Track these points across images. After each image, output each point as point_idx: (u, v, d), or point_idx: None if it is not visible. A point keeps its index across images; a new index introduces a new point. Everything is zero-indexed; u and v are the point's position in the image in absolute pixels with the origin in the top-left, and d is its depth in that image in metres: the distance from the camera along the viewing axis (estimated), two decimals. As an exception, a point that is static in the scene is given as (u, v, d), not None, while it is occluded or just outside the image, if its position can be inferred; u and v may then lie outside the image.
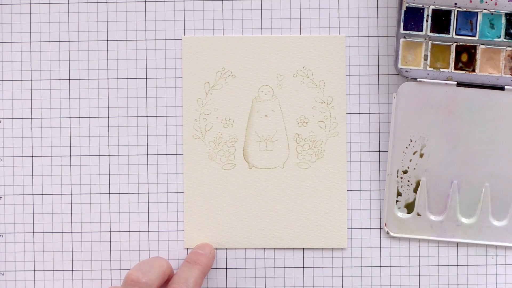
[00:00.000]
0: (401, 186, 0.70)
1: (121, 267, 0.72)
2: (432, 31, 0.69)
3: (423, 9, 0.69)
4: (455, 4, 0.69)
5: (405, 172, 0.70)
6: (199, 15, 0.72)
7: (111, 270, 0.72)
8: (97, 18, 0.72)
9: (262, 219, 0.72)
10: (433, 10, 0.69)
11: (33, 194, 0.72)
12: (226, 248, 0.72)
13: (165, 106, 0.72)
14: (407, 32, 0.69)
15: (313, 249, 0.72)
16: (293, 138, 0.71)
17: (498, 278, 0.71)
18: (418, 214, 0.70)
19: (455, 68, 0.69)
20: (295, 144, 0.71)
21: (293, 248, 0.72)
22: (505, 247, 0.71)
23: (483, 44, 0.69)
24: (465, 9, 0.69)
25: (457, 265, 0.71)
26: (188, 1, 0.72)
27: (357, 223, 0.72)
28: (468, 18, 0.69)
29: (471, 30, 0.69)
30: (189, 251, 0.72)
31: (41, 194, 0.72)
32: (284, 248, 0.72)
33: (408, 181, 0.70)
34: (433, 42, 0.69)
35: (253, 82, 0.71)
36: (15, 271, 0.72)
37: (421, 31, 0.69)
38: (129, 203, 0.72)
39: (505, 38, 0.69)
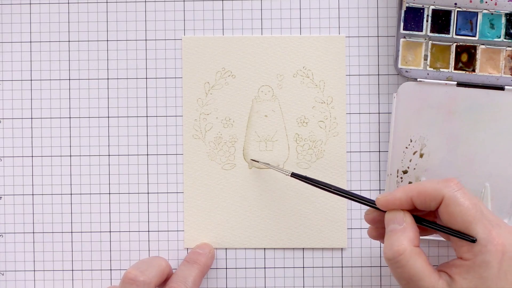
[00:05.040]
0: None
1: (121, 267, 0.72)
2: (432, 31, 0.69)
3: (423, 9, 0.69)
4: (455, 4, 0.69)
5: (405, 172, 0.70)
6: (199, 15, 0.72)
7: (111, 270, 0.72)
8: (97, 18, 0.72)
9: (262, 219, 0.71)
10: (433, 10, 0.69)
11: (33, 194, 0.72)
12: (226, 248, 0.72)
13: (165, 106, 0.72)
14: (407, 32, 0.69)
15: (313, 249, 0.72)
16: (293, 138, 0.71)
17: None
18: (418, 214, 0.70)
19: (455, 68, 0.69)
20: (295, 144, 0.71)
21: (293, 248, 0.72)
22: (505, 247, 0.71)
23: (483, 44, 0.69)
24: (465, 9, 0.69)
25: (457, 265, 0.71)
26: (188, 1, 0.72)
27: (357, 223, 0.72)
28: (468, 18, 0.69)
29: (471, 30, 0.69)
30: (189, 251, 0.72)
31: (41, 194, 0.72)
32: (284, 248, 0.72)
33: (408, 181, 0.70)
34: (433, 42, 0.69)
35: (253, 82, 0.71)
36: (15, 271, 0.72)
37: (421, 31, 0.69)
38: (129, 203, 0.72)
39: (505, 38, 0.69)
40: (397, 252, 0.60)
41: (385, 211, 0.63)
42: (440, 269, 0.61)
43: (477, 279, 0.59)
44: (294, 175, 0.67)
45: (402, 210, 0.62)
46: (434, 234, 0.66)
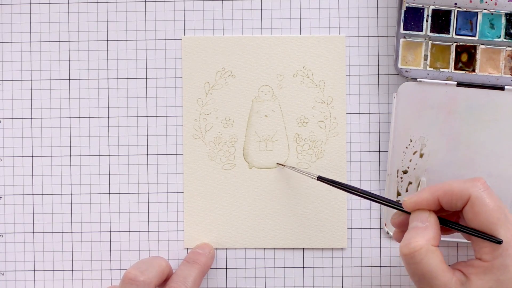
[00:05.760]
0: (401, 186, 0.70)
1: (121, 267, 0.72)
2: (432, 31, 0.69)
3: (423, 9, 0.69)
4: (455, 4, 0.69)
5: (405, 172, 0.70)
6: (199, 15, 0.72)
7: (111, 270, 0.72)
8: (97, 18, 0.72)
9: (262, 219, 0.71)
10: (433, 10, 0.69)
11: (33, 194, 0.72)
12: (226, 248, 0.72)
13: (165, 106, 0.72)
14: (407, 32, 0.69)
15: (313, 249, 0.72)
16: (293, 138, 0.71)
17: (498, 278, 0.71)
18: (418, 214, 0.70)
19: (455, 68, 0.69)
20: (295, 144, 0.71)
21: (293, 248, 0.72)
22: (505, 247, 0.71)
23: (483, 44, 0.69)
24: (465, 9, 0.69)
25: (457, 265, 0.71)
26: (188, 1, 0.72)
27: (357, 223, 0.72)
28: (468, 18, 0.69)
29: (471, 30, 0.69)
30: (189, 251, 0.72)
31: (41, 194, 0.72)
32: (284, 248, 0.72)
33: (409, 181, 0.70)
34: (433, 42, 0.69)
35: (253, 82, 0.71)
36: (15, 271, 0.72)
37: (421, 31, 0.69)
38: (129, 203, 0.72)
39: (505, 38, 0.69)
40: (413, 249, 0.60)
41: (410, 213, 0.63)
42: (456, 267, 0.61)
43: (493, 281, 0.59)
44: (320, 178, 0.67)
45: (429, 210, 0.62)
46: (453, 235, 0.66)
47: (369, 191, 0.68)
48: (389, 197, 0.70)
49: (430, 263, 0.60)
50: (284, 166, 0.71)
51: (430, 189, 0.62)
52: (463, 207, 0.61)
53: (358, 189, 0.65)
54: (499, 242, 0.59)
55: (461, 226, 0.62)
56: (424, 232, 0.61)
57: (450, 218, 0.64)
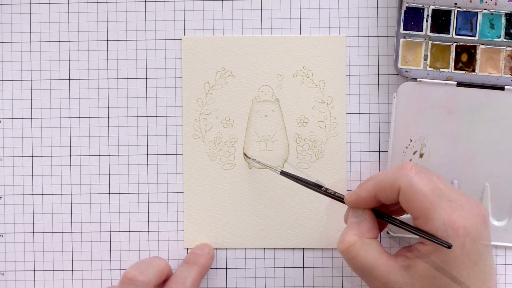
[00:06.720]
0: (401, 186, 0.70)
1: (121, 267, 0.72)
2: (432, 31, 0.69)
3: (423, 9, 0.69)
4: (455, 4, 0.69)
5: (405, 172, 0.70)
6: (199, 15, 0.72)
7: (111, 270, 0.72)
8: (97, 18, 0.72)
9: (262, 219, 0.72)
10: (433, 10, 0.69)
11: (33, 194, 0.72)
12: (226, 248, 0.72)
13: (165, 106, 0.72)
14: (407, 32, 0.69)
15: (313, 249, 0.72)
16: (293, 138, 0.71)
17: (498, 278, 0.71)
18: (418, 214, 0.70)
19: (455, 68, 0.69)
20: (295, 144, 0.71)
21: (293, 248, 0.72)
22: (505, 247, 0.71)
23: (483, 44, 0.69)
24: (465, 9, 0.69)
25: (457, 265, 0.71)
26: (188, 1, 0.72)
27: (357, 223, 0.71)
28: (468, 18, 0.69)
29: (471, 30, 0.69)
30: (189, 251, 0.72)
31: (41, 194, 0.72)
32: (284, 248, 0.72)
33: (408, 181, 0.70)
34: (433, 42, 0.69)
35: (253, 82, 0.72)
36: (15, 271, 0.72)
37: (421, 31, 0.69)
38: (129, 203, 0.72)
39: (505, 38, 0.69)
40: (348, 244, 0.61)
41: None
42: (400, 253, 0.62)
43: (438, 262, 0.59)
44: (283, 173, 0.68)
45: (365, 208, 0.63)
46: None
47: (325, 186, 0.68)
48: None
49: (366, 256, 0.61)
50: (250, 158, 0.71)
51: (367, 189, 0.63)
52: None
53: (318, 185, 0.66)
54: (449, 247, 0.58)
55: (405, 224, 0.62)
56: (358, 226, 0.62)
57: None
